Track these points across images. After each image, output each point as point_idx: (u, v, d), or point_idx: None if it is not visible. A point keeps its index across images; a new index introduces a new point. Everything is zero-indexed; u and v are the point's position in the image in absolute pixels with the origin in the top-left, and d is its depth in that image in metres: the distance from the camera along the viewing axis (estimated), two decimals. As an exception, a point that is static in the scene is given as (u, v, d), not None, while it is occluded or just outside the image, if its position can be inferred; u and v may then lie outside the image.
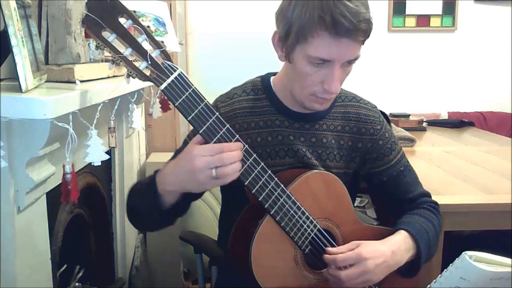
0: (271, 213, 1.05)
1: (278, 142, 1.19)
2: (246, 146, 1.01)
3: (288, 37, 1.06)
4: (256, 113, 1.21)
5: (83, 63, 1.33)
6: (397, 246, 1.13)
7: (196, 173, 0.95)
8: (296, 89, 1.13)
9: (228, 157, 0.95)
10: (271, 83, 1.23)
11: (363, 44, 1.07)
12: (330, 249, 1.12)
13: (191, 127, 1.02)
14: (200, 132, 0.97)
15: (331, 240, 1.15)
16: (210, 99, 1.07)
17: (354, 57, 1.06)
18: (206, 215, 2.10)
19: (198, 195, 1.20)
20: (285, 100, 1.20)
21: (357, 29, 1.01)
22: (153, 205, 1.05)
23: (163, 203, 1.05)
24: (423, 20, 3.41)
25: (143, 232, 2.56)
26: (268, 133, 1.20)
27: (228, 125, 0.98)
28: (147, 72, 0.93)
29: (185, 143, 1.24)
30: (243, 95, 1.23)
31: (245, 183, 1.02)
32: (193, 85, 0.95)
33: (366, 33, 1.04)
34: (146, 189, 1.07)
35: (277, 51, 1.13)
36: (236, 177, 0.98)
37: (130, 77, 0.94)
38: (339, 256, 1.09)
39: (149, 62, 0.92)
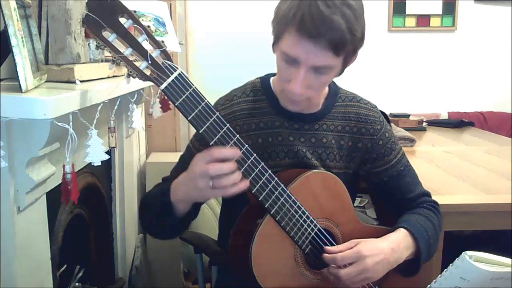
0: (271, 212, 1.05)
1: (278, 143, 1.19)
2: (247, 146, 1.01)
3: (273, 33, 1.10)
4: (256, 114, 1.21)
5: (83, 63, 1.33)
6: (396, 244, 1.13)
7: (196, 180, 0.97)
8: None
9: (220, 169, 0.94)
10: (271, 84, 1.23)
11: (342, 56, 1.03)
12: (329, 248, 1.12)
13: (191, 127, 1.02)
14: (200, 131, 0.97)
15: (331, 240, 1.15)
16: (210, 99, 1.06)
17: (321, 64, 1.03)
18: (206, 215, 2.10)
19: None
20: (284, 100, 1.20)
21: (320, 35, 0.98)
22: (166, 214, 1.08)
23: (176, 212, 1.08)
24: (423, 20, 3.40)
25: (143, 232, 2.56)
26: (268, 134, 1.20)
27: (228, 125, 0.98)
28: (147, 72, 0.93)
29: (188, 149, 1.26)
30: (242, 96, 1.23)
31: (245, 183, 1.02)
32: (193, 85, 0.95)
33: (337, 44, 0.99)
34: (159, 199, 1.09)
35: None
36: (239, 190, 0.97)
37: (130, 77, 0.94)
38: (338, 255, 1.09)
39: (150, 62, 0.92)
